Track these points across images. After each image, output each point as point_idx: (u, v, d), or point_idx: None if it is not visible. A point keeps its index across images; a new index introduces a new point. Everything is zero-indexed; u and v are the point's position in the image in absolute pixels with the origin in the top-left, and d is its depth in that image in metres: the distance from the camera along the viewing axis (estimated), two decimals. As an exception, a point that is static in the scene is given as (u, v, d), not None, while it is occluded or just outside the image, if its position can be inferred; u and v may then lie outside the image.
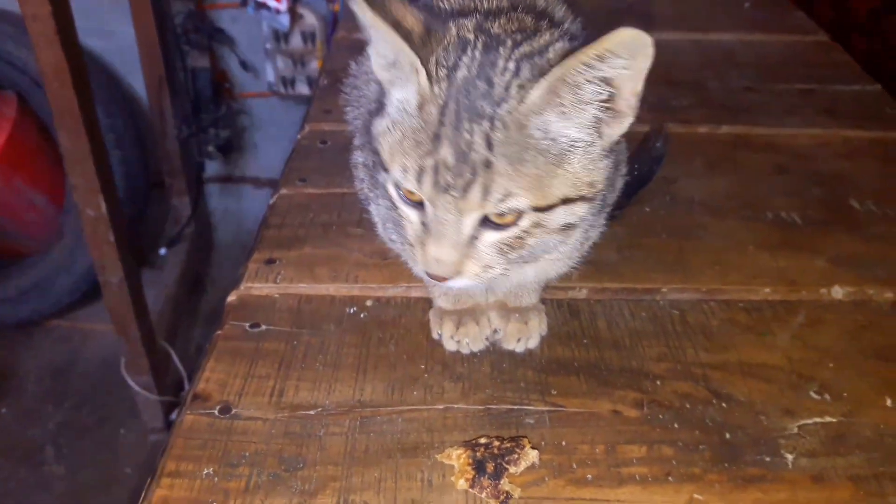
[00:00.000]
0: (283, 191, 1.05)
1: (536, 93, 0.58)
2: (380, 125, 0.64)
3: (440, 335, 0.81)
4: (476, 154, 0.58)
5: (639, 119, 1.39)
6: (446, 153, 0.59)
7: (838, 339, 0.84)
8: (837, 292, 0.91)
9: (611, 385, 0.77)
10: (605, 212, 0.78)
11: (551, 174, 0.60)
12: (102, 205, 1.64)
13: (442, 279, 0.63)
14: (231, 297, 0.87)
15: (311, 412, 0.74)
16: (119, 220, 1.70)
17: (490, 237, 0.62)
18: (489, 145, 0.58)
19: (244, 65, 2.49)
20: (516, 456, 0.67)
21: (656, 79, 0.58)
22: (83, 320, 2.38)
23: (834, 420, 0.74)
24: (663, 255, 0.96)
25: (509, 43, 0.62)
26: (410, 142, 0.60)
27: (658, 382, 0.78)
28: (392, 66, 0.63)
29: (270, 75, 2.47)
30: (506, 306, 0.82)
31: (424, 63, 0.60)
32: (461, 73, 0.60)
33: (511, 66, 0.60)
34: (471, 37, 0.62)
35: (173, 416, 2.03)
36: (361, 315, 0.85)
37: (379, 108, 0.65)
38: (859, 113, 1.29)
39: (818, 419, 0.74)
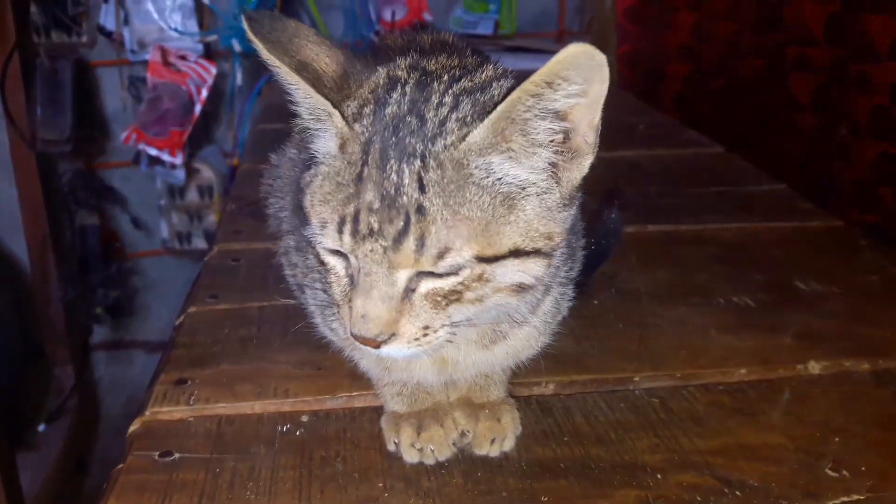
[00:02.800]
0: (192, 309, 0.91)
1: (479, 133, 0.51)
2: (307, 176, 0.57)
3: (397, 444, 0.66)
4: (406, 197, 0.50)
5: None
6: (371, 196, 0.51)
7: (833, 413, 0.77)
8: (814, 367, 0.85)
9: (607, 484, 0.65)
10: (571, 284, 0.70)
11: (499, 219, 0.52)
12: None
13: (372, 343, 0.53)
14: (133, 427, 0.70)
15: (242, 557, 0.56)
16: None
17: (425, 286, 0.52)
18: (421, 187, 0.50)
19: (136, 223, 2.36)
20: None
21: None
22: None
23: (862, 497, 0.65)
24: (625, 343, 0.89)
25: (445, 78, 0.56)
26: (332, 184, 0.53)
27: (658, 476, 0.66)
28: (312, 114, 0.56)
29: (164, 232, 2.34)
30: (472, 402, 0.70)
31: (336, 104, 0.54)
32: (389, 109, 0.54)
33: (447, 100, 0.54)
34: (402, 74, 0.57)
35: None
36: (297, 432, 0.70)
37: (309, 162, 0.58)
38: (775, 208, 1.32)
39: (845, 498, 0.65)
